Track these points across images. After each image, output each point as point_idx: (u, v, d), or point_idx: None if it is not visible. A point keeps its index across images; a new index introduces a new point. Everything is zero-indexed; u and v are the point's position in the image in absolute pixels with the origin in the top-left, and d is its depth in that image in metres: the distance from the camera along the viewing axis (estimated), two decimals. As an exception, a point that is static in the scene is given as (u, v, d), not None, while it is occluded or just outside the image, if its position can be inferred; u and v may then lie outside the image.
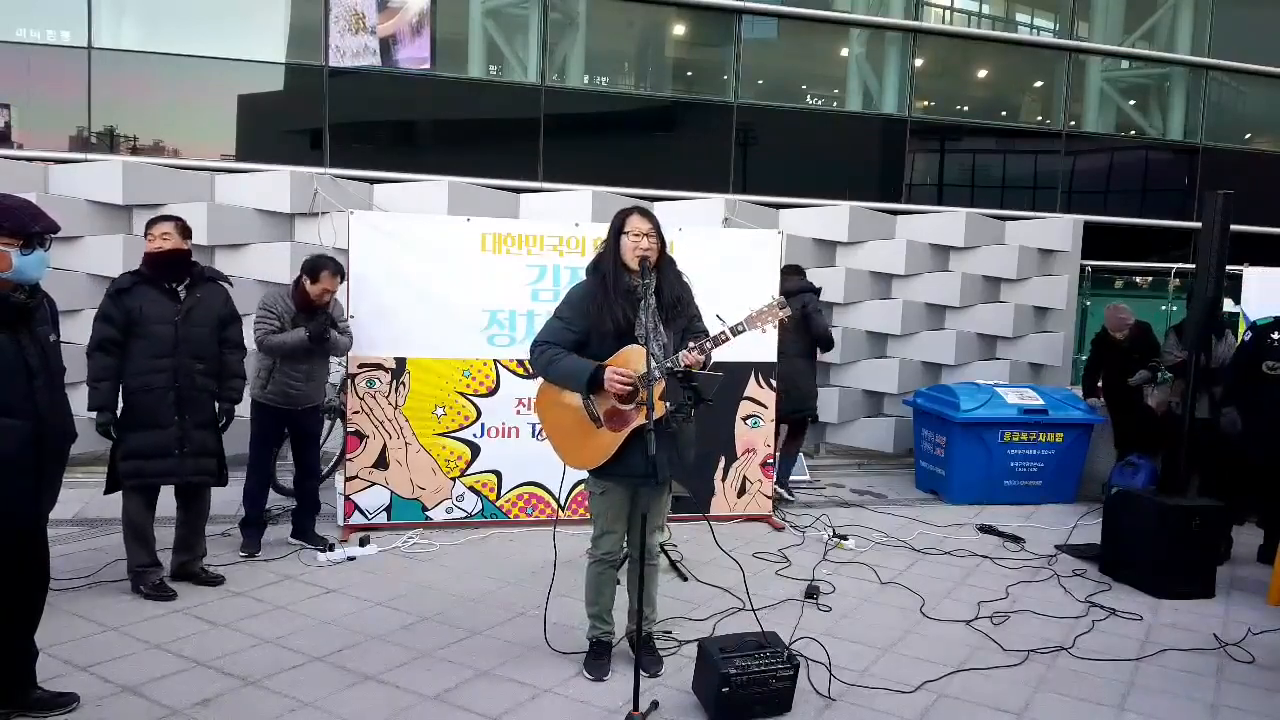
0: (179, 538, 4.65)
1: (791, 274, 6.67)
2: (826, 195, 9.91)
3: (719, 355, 3.61)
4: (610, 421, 3.55)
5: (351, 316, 5.57)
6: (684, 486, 4.55)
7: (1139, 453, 6.89)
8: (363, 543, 5.33)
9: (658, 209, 3.79)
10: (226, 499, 5.30)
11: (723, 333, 3.49)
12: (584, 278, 3.74)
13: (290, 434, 5.32)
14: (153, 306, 4.37)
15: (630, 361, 3.50)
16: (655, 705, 3.46)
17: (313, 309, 5.10)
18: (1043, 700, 3.75)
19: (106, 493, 4.50)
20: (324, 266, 5.09)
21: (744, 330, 3.49)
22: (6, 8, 9.67)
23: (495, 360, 5.81)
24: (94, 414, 4.37)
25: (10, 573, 3.19)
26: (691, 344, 3.49)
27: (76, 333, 6.51)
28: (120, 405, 4.42)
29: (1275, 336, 5.58)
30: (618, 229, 3.59)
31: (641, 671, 3.42)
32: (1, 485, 3.04)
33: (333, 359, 6.30)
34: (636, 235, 3.54)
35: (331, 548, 5.20)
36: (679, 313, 3.64)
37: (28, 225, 3.09)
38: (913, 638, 4.35)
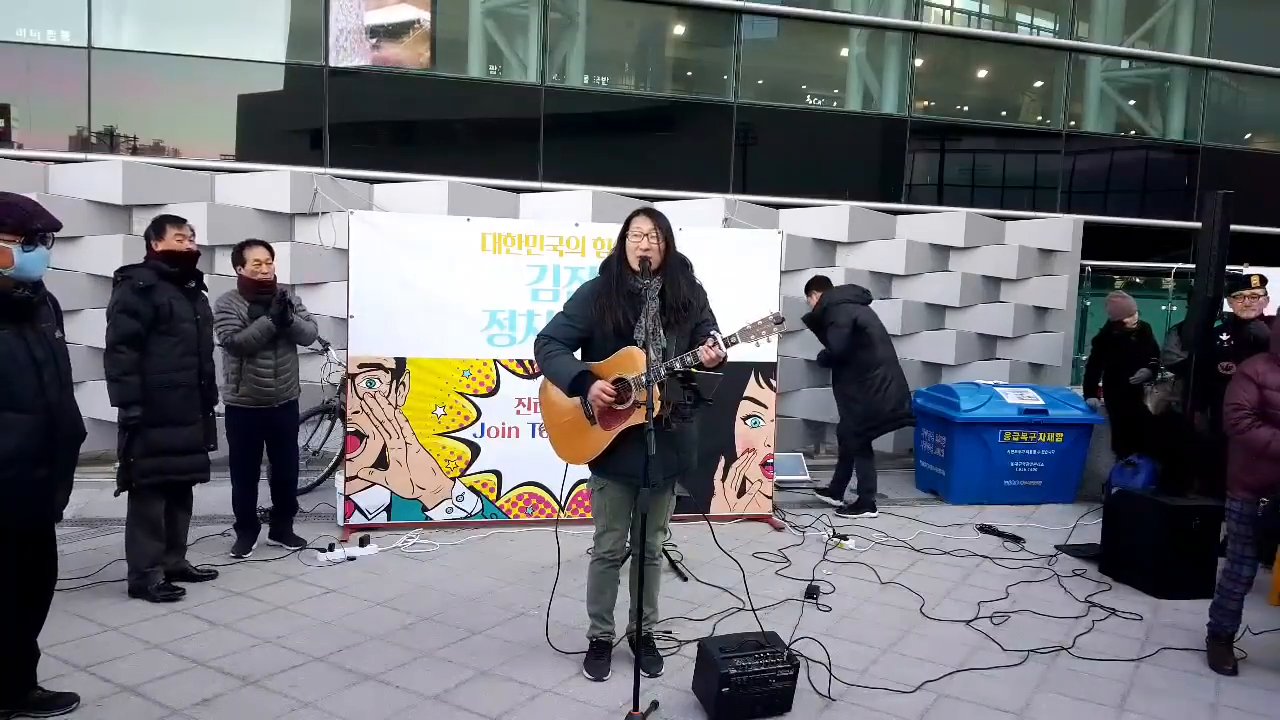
0: (170, 538, 4.63)
1: (823, 286, 6.77)
2: (826, 195, 9.91)
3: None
4: (603, 419, 3.56)
5: (352, 316, 5.58)
6: (684, 486, 4.54)
7: (1139, 453, 6.88)
8: (363, 543, 5.33)
9: (659, 209, 3.79)
10: (226, 499, 5.29)
11: (718, 343, 3.45)
12: (586, 278, 3.76)
13: (266, 433, 5.22)
14: (179, 305, 4.40)
15: (626, 363, 3.50)
16: (655, 705, 3.46)
17: (260, 291, 5.04)
18: (1043, 700, 3.75)
19: (118, 493, 4.42)
20: (244, 246, 5.12)
21: (737, 342, 3.43)
22: (6, 8, 9.68)
23: (495, 360, 5.81)
24: (121, 409, 4.30)
25: (18, 572, 3.19)
26: (708, 342, 3.40)
27: (76, 333, 6.52)
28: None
29: (1224, 338, 5.68)
30: (624, 230, 3.62)
31: (641, 671, 3.42)
32: (13, 481, 3.04)
33: (332, 359, 6.33)
34: (637, 236, 3.56)
35: (331, 548, 5.20)
36: (684, 317, 3.61)
37: (28, 222, 3.11)
38: (913, 638, 4.35)
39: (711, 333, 3.47)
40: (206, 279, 6.59)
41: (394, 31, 10.64)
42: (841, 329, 6.44)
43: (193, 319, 4.47)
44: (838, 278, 8.12)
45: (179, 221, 4.52)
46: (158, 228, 4.48)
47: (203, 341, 4.55)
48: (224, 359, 5.04)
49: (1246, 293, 5.66)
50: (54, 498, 3.24)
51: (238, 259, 5.08)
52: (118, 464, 4.41)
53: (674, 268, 3.63)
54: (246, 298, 5.03)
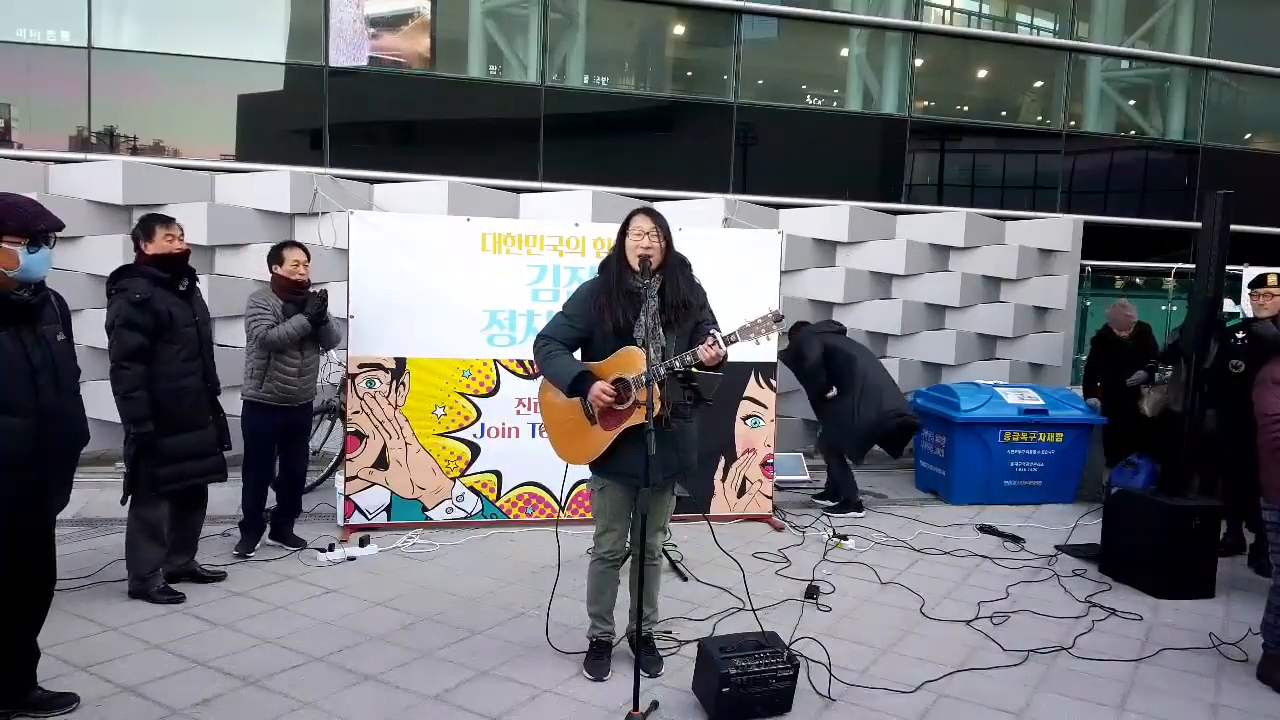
0: (177, 538, 4.62)
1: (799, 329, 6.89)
2: (826, 195, 9.92)
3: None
4: (604, 419, 3.56)
5: (352, 316, 5.58)
6: (684, 486, 4.54)
7: (1136, 454, 6.88)
8: (363, 543, 5.33)
9: (658, 209, 3.79)
10: (228, 499, 5.29)
11: (717, 342, 3.46)
12: (586, 278, 3.76)
13: (282, 432, 5.21)
14: (177, 309, 4.36)
15: (627, 363, 3.50)
16: (655, 705, 3.46)
17: (295, 290, 5.10)
18: (1043, 700, 3.75)
19: (125, 501, 4.40)
20: (283, 246, 5.18)
21: (737, 341, 3.43)
22: (6, 8, 9.68)
23: (495, 360, 5.81)
24: (132, 425, 4.25)
25: (15, 573, 3.18)
26: (708, 341, 3.41)
27: (76, 333, 6.51)
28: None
29: (1239, 336, 5.64)
30: (623, 229, 3.62)
31: (641, 671, 3.42)
32: (6, 484, 3.03)
33: (332, 359, 6.33)
34: (638, 235, 3.56)
35: (331, 548, 5.20)
36: (684, 316, 3.62)
37: (33, 223, 3.10)
38: (913, 638, 4.35)
39: (711, 331, 3.47)
40: (206, 279, 6.63)
41: (393, 21, 10.65)
42: (813, 355, 6.53)
43: (192, 321, 4.43)
44: (838, 277, 8.15)
45: (168, 221, 4.46)
46: (146, 229, 4.41)
47: (203, 342, 4.54)
48: (249, 354, 5.06)
49: (1262, 291, 5.65)
50: (49, 500, 3.23)
51: (276, 258, 5.12)
52: (124, 471, 4.40)
53: (673, 267, 3.63)
54: (281, 296, 5.08)
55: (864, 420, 6.39)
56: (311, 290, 5.18)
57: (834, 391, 6.58)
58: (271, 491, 5.35)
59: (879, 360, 6.81)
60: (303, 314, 5.03)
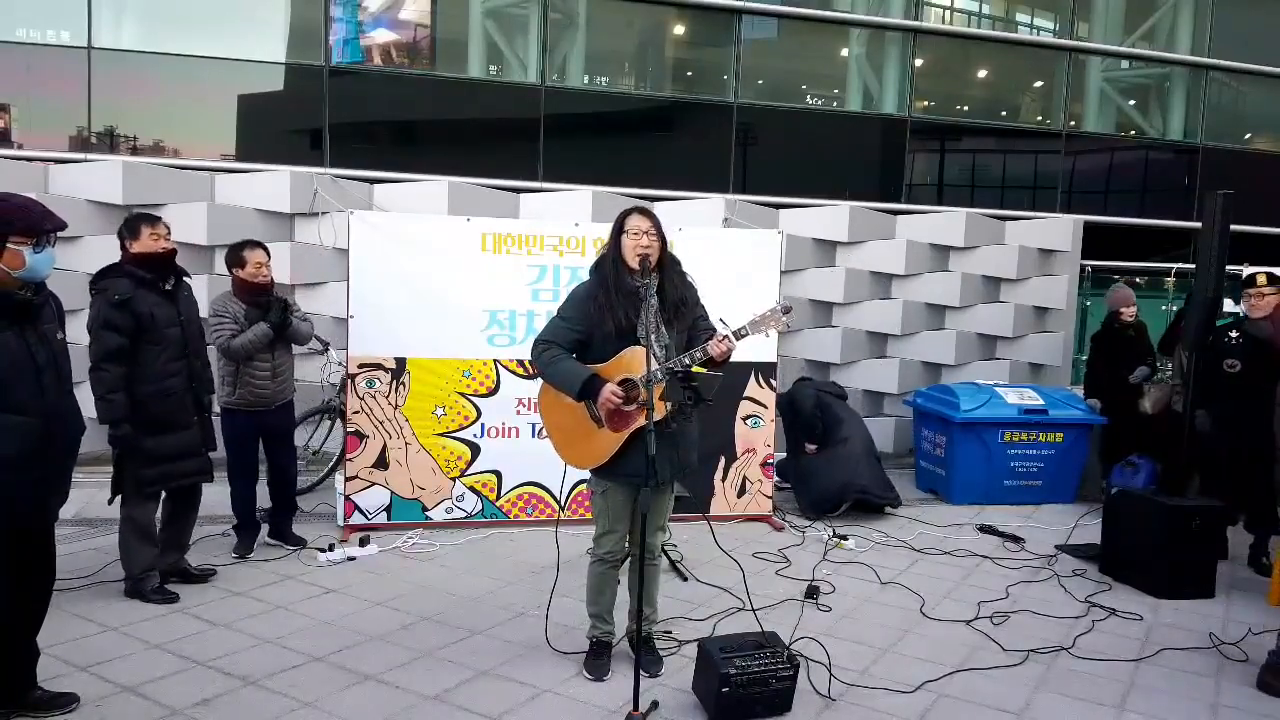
0: (169, 537, 4.62)
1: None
2: (826, 195, 9.91)
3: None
4: (611, 421, 3.56)
5: (352, 316, 5.58)
6: (684, 486, 4.54)
7: (1137, 453, 6.87)
8: (363, 543, 5.33)
9: (658, 209, 3.79)
10: (226, 499, 5.29)
11: (726, 337, 3.48)
12: (586, 278, 3.75)
13: (262, 435, 5.17)
14: (160, 310, 4.31)
15: (631, 363, 3.50)
16: (655, 705, 3.47)
17: (259, 293, 4.99)
18: (1043, 700, 3.75)
19: (111, 501, 4.41)
20: (242, 247, 5.02)
21: (747, 334, 3.48)
22: (6, 8, 9.67)
23: (495, 360, 5.81)
24: (109, 426, 4.24)
25: (17, 572, 3.19)
26: (717, 336, 3.44)
27: (75, 332, 6.51)
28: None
29: (1233, 335, 5.61)
30: (618, 229, 3.61)
31: (641, 671, 3.42)
32: (11, 483, 3.04)
33: (332, 359, 6.33)
34: (636, 234, 3.55)
35: (331, 548, 5.19)
36: (683, 313, 3.63)
37: (39, 223, 3.11)
38: (913, 638, 4.35)
39: (721, 326, 3.48)
40: (206, 279, 6.61)
41: (392, 11, 10.68)
42: (808, 404, 6.66)
43: (176, 321, 4.37)
44: (838, 278, 8.16)
45: (153, 220, 4.42)
46: (132, 228, 4.37)
47: (189, 341, 4.45)
48: (219, 360, 4.99)
49: (1252, 291, 5.63)
50: (51, 499, 3.24)
51: (235, 260, 4.99)
52: (111, 471, 4.40)
53: (670, 265, 3.64)
54: (243, 300, 4.96)
55: (829, 484, 6.38)
56: (275, 295, 5.07)
57: (813, 448, 6.61)
58: (268, 490, 5.34)
59: (870, 438, 6.72)
60: (265, 321, 4.93)
